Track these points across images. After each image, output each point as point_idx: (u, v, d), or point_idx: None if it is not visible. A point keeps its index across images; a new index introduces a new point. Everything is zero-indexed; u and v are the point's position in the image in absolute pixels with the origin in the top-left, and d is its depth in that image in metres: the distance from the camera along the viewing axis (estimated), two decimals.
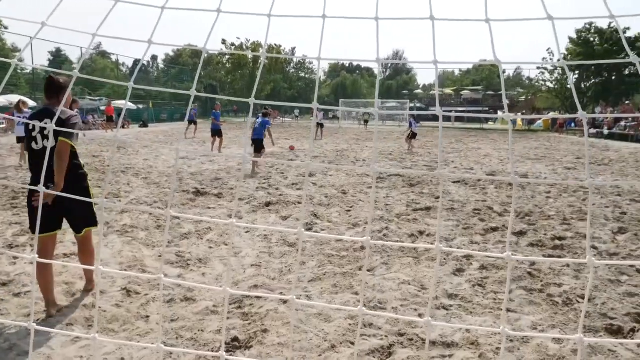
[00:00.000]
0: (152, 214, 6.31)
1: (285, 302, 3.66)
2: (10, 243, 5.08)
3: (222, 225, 5.70)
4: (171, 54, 73.53)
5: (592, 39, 40.45)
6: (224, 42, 51.08)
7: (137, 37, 1.48)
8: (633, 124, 25.03)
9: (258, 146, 11.22)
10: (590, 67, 39.64)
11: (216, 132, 15.49)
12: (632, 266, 4.54)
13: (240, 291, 3.28)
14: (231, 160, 12.55)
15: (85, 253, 3.75)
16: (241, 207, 7.17)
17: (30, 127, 3.40)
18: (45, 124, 3.30)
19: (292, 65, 63.50)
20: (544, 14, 1.25)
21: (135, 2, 1.43)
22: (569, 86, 39.48)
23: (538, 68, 42.45)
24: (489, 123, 42.20)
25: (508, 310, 3.69)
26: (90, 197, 3.65)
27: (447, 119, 41.00)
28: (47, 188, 3.27)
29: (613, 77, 40.56)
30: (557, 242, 5.50)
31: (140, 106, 36.75)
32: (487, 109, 48.99)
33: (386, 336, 3.21)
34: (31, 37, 1.68)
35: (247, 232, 5.66)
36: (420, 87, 79.47)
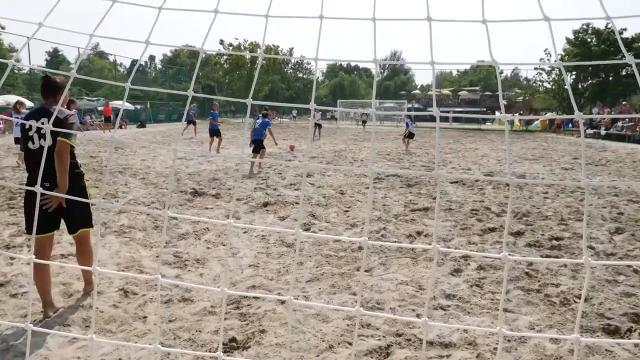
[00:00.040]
0: (149, 214, 6.30)
1: (283, 302, 3.66)
2: (7, 243, 5.07)
3: (220, 226, 5.69)
4: (169, 54, 73.46)
5: (589, 40, 40.56)
6: (221, 42, 51.04)
7: (134, 38, 1.48)
8: (630, 124, 25.11)
9: (258, 146, 11.23)
10: (588, 67, 39.75)
11: (214, 132, 15.49)
12: (629, 266, 4.55)
13: (238, 291, 3.28)
14: (229, 161, 12.55)
15: (83, 254, 3.72)
16: (239, 207, 7.17)
17: (27, 127, 3.38)
18: (42, 123, 3.30)
19: (289, 65, 63.49)
20: (541, 14, 1.26)
21: (132, 2, 1.43)
22: (566, 87, 39.55)
23: (535, 69, 42.52)
24: (487, 123, 42.28)
25: (506, 310, 3.69)
26: (87, 197, 3.64)
27: (444, 119, 41.05)
28: (44, 188, 3.26)
29: (610, 78, 40.67)
30: (555, 242, 5.51)
31: (138, 106, 36.71)
32: (484, 109, 49.07)
33: (384, 336, 3.21)
34: (28, 37, 1.67)
35: (244, 232, 5.66)
36: (418, 87, 79.54)
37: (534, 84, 46.02)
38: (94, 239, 4.09)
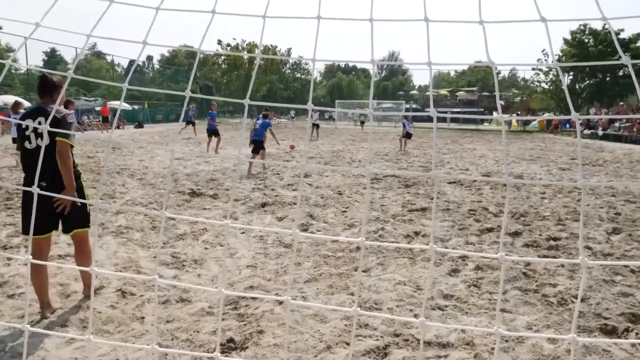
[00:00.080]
0: (147, 215, 6.29)
1: (280, 303, 3.66)
2: (4, 244, 5.06)
3: (218, 226, 5.69)
4: (166, 54, 73.35)
5: (586, 40, 40.68)
6: (219, 42, 51.01)
7: (132, 38, 1.48)
8: (627, 124, 25.20)
9: (257, 147, 11.24)
10: (585, 68, 39.86)
11: (212, 132, 15.49)
12: (626, 266, 4.57)
13: (236, 292, 3.27)
14: (227, 161, 12.54)
15: (82, 254, 3.68)
16: (237, 207, 7.16)
17: (24, 126, 3.36)
18: (39, 123, 3.29)
19: (287, 66, 63.50)
20: (540, 15, 1.26)
21: (130, 3, 1.43)
22: (563, 87, 39.64)
23: (533, 69, 42.62)
24: (485, 124, 42.36)
25: (503, 310, 3.70)
26: (84, 197, 3.62)
27: (442, 119, 41.11)
28: (41, 187, 3.25)
29: (607, 79, 40.79)
30: (552, 242, 5.52)
31: (136, 107, 36.66)
32: (482, 109, 49.16)
33: (382, 337, 3.21)
34: (25, 37, 1.67)
35: (242, 233, 5.65)
36: (416, 88, 79.69)
37: (532, 85, 46.18)
38: (91, 240, 4.08)
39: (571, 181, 9.74)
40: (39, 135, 3.35)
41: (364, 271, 4.51)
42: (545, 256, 5.07)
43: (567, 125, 32.86)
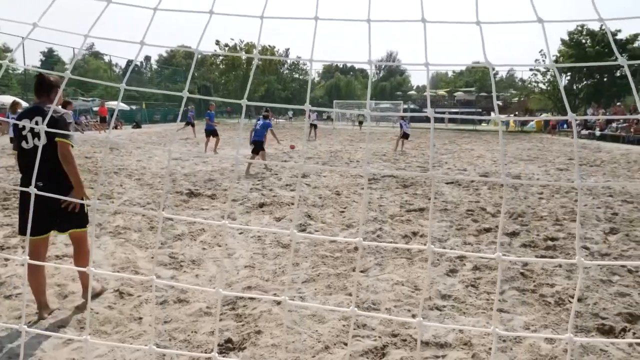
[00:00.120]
0: (145, 215, 6.28)
1: (278, 303, 3.66)
2: (1, 245, 5.04)
3: (216, 227, 5.68)
4: (164, 54, 73.27)
5: (584, 41, 40.75)
6: (217, 43, 50.96)
7: (130, 38, 1.48)
8: (624, 125, 25.27)
9: (257, 147, 11.26)
10: (582, 68, 39.93)
11: (210, 132, 15.48)
12: (623, 266, 4.58)
13: (234, 292, 3.27)
14: (225, 161, 12.53)
15: (80, 254, 3.63)
16: (235, 208, 7.16)
17: (20, 126, 3.34)
18: (36, 122, 3.27)
19: (286, 66, 63.47)
20: (540, 15, 1.26)
21: (127, 3, 1.43)
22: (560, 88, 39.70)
23: (531, 70, 42.69)
24: (482, 124, 42.40)
25: (501, 310, 3.71)
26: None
27: (440, 120, 41.17)
28: (38, 187, 3.23)
29: (605, 79, 40.87)
30: (550, 242, 5.53)
31: (134, 107, 36.59)
32: (480, 110, 49.22)
33: (380, 337, 3.21)
34: (23, 37, 1.67)
35: (240, 233, 5.65)
36: (414, 88, 79.73)
37: (530, 85, 46.23)
38: (90, 240, 4.07)
39: (568, 181, 9.77)
40: (35, 135, 3.33)
41: (362, 271, 4.51)
42: (542, 256, 5.08)
43: (565, 126, 32.94)
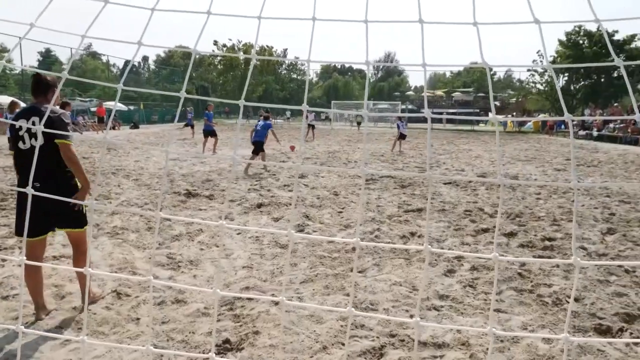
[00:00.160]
0: (142, 215, 6.28)
1: (276, 303, 3.66)
2: None
3: (214, 227, 5.68)
4: (162, 55, 73.11)
5: (581, 42, 40.84)
6: (215, 43, 50.91)
7: (127, 38, 1.48)
8: (621, 125, 25.34)
9: (258, 148, 11.27)
10: (580, 69, 40.03)
11: (209, 133, 15.47)
12: (620, 266, 4.59)
13: (232, 293, 3.27)
14: (222, 162, 12.52)
15: (79, 255, 3.59)
16: (233, 208, 7.15)
17: (17, 126, 3.32)
18: (33, 122, 3.26)
19: (284, 66, 63.45)
20: (538, 16, 1.27)
21: (125, 3, 1.42)
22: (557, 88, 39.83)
23: (528, 70, 42.77)
24: (480, 125, 42.47)
25: (498, 310, 3.71)
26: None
27: (438, 120, 41.19)
28: (34, 188, 3.21)
29: (602, 80, 40.96)
30: (547, 242, 5.55)
31: (131, 107, 36.56)
32: (478, 110, 49.27)
33: (377, 337, 3.22)
34: (20, 38, 1.66)
35: (238, 233, 5.65)
36: (412, 88, 79.75)
37: (527, 86, 46.29)
38: (88, 241, 4.06)
39: (565, 182, 9.79)
40: (32, 135, 3.30)
41: (359, 272, 4.51)
42: (540, 256, 5.09)
43: (563, 126, 33.02)
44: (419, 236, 5.82)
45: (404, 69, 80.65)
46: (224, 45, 51.47)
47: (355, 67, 79.71)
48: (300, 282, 4.25)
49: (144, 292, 3.86)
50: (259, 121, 11.83)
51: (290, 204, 7.43)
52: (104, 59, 54.45)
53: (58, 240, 5.00)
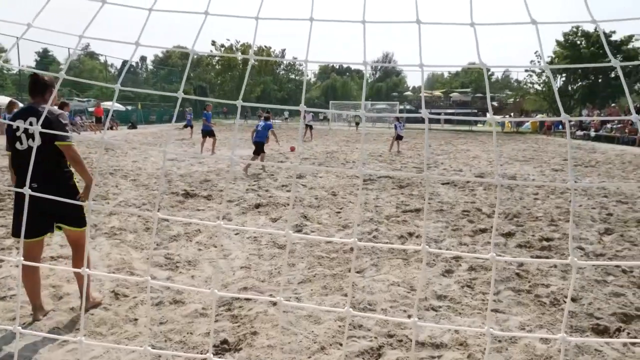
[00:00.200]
0: (140, 216, 6.27)
1: (274, 304, 3.65)
2: None
3: (211, 227, 5.67)
4: (160, 55, 73.06)
5: (579, 42, 40.95)
6: (213, 43, 50.90)
7: (125, 38, 1.47)
8: (619, 126, 25.41)
9: (258, 148, 11.28)
10: (577, 70, 40.13)
11: (207, 133, 15.46)
12: (617, 266, 4.60)
13: (230, 293, 3.27)
14: (220, 162, 12.51)
15: (78, 256, 3.56)
16: (231, 208, 7.15)
17: (14, 127, 3.30)
18: (30, 123, 3.25)
19: (282, 67, 63.48)
20: (535, 16, 1.27)
21: (122, 4, 1.42)
22: (554, 89, 39.90)
23: (526, 71, 42.85)
24: (478, 125, 42.53)
25: (496, 311, 3.72)
26: (77, 194, 3.55)
27: (436, 121, 41.22)
28: (32, 189, 3.20)
29: (600, 80, 41.06)
30: (545, 243, 5.56)
31: (129, 107, 36.52)
32: (476, 111, 49.32)
33: (375, 337, 3.22)
34: (17, 38, 1.66)
35: (236, 234, 5.64)
36: (410, 89, 79.86)
37: (525, 86, 46.39)
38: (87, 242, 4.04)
39: (562, 182, 9.81)
40: (30, 135, 3.28)
41: (358, 272, 4.51)
42: (538, 257, 5.10)
43: (560, 127, 33.10)
44: (416, 236, 5.83)
45: (402, 69, 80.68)
46: (222, 46, 51.45)
47: (353, 67, 79.81)
48: (298, 282, 4.25)
49: (141, 293, 3.85)
50: (259, 122, 11.87)
51: (288, 204, 7.42)
52: (102, 59, 54.26)
53: (56, 240, 4.99)
